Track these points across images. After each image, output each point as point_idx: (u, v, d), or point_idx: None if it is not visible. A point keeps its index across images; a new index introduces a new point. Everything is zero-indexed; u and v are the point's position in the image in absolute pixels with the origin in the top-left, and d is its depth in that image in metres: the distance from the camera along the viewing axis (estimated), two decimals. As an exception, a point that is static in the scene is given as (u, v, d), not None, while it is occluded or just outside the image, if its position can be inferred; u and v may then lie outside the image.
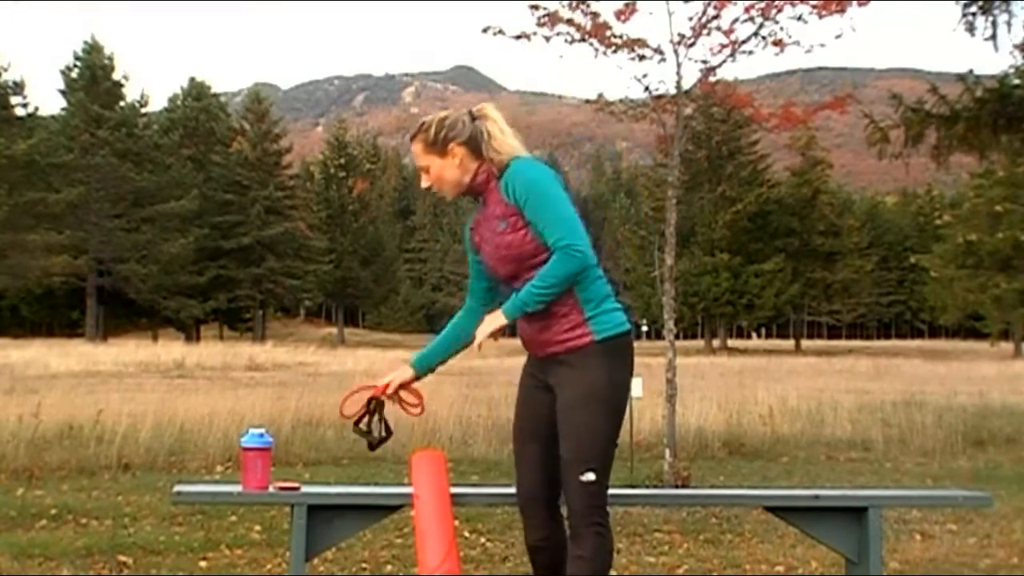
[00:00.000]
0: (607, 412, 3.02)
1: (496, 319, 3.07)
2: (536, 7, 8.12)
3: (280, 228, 65.25)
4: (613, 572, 4.73)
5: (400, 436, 9.63)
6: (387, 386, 3.30)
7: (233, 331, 69.61)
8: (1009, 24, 8.23)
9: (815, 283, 62.79)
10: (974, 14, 8.26)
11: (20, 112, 54.46)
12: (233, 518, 6.05)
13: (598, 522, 3.00)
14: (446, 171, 3.15)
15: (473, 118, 3.17)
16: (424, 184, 3.25)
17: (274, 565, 4.92)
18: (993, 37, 8.21)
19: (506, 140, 3.13)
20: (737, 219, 56.99)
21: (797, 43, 8.13)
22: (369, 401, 3.32)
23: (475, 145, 3.13)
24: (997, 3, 8.21)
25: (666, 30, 8.04)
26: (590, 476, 2.97)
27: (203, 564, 4.97)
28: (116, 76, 59.96)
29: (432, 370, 3.35)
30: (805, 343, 69.56)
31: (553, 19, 8.09)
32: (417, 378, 3.33)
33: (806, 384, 19.26)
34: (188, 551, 5.21)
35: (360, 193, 77.19)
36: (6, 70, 53.57)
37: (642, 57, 8.17)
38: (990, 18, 8.22)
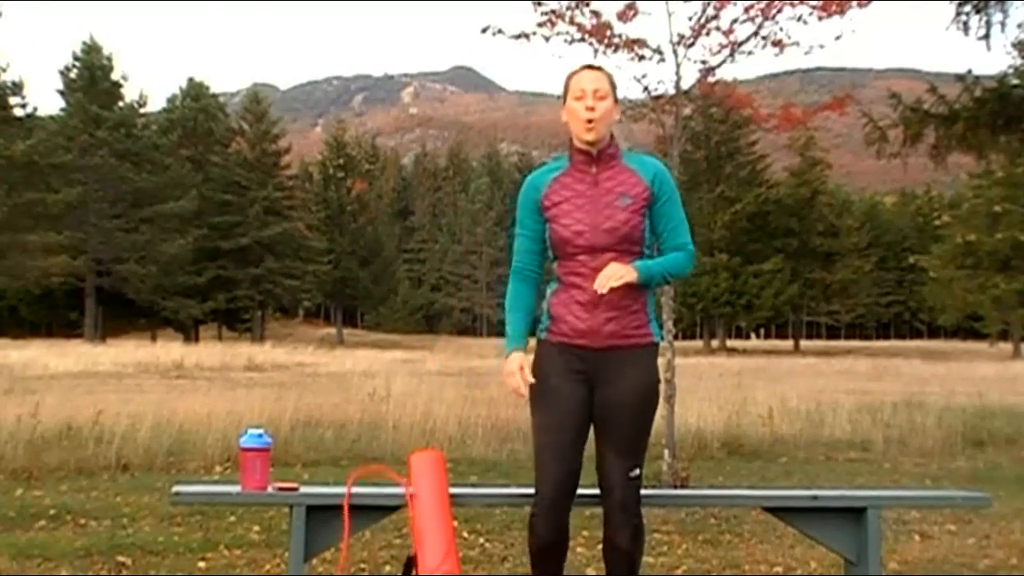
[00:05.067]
0: (654, 412, 3.23)
1: (628, 272, 3.08)
2: (539, 5, 8.12)
3: (279, 228, 65.26)
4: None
5: (399, 436, 9.67)
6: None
7: (232, 331, 69.57)
8: (1003, 24, 8.24)
9: (814, 283, 62.82)
10: (968, 13, 8.26)
11: (19, 112, 54.37)
12: (232, 519, 6.05)
13: (637, 514, 3.18)
14: (613, 115, 3.25)
15: None
16: (591, 108, 3.16)
17: (273, 566, 4.91)
18: (986, 36, 8.21)
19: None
20: (736, 219, 57.04)
21: (797, 44, 8.12)
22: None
23: None
24: (992, 2, 8.21)
25: (665, 30, 8.05)
26: (637, 472, 3.17)
27: (202, 565, 4.96)
28: (115, 76, 60.00)
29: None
30: (804, 343, 69.59)
31: (554, 19, 8.09)
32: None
33: (805, 384, 19.25)
34: (187, 552, 5.20)
35: (359, 193, 77.22)
36: (5, 70, 53.48)
37: (641, 57, 8.17)
38: (984, 17, 8.22)
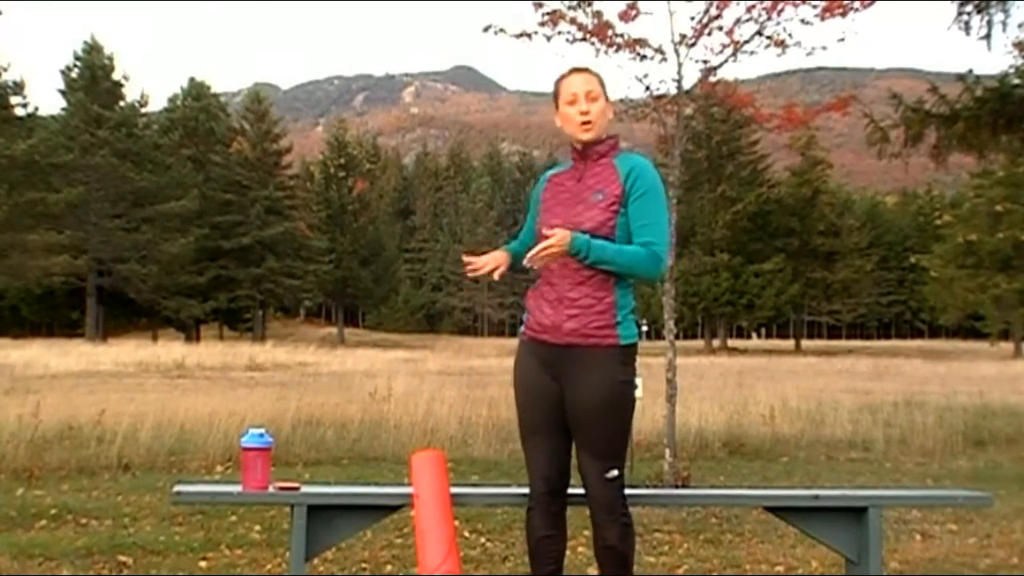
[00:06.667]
0: (627, 414, 3.20)
1: (560, 238, 3.01)
2: (540, 5, 8.11)
3: (280, 228, 65.20)
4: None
5: (400, 436, 9.68)
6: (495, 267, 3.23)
7: (233, 331, 69.57)
8: (1004, 23, 8.22)
9: (815, 283, 62.80)
10: (970, 13, 8.25)
11: (20, 112, 54.27)
12: (233, 518, 6.05)
13: (624, 513, 3.18)
14: (607, 114, 3.26)
15: None
16: (586, 112, 3.20)
17: (274, 565, 4.91)
18: (987, 36, 8.20)
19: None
20: (737, 219, 57.00)
21: (799, 44, 8.11)
22: None
23: None
24: (994, 2, 8.20)
25: (667, 30, 8.04)
26: (615, 473, 3.15)
27: (203, 564, 4.96)
28: (116, 76, 59.88)
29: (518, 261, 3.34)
30: (805, 343, 69.57)
31: (555, 18, 8.08)
32: (510, 264, 3.32)
33: (806, 384, 19.25)
34: (188, 551, 5.20)
35: (360, 193, 77.15)
36: (6, 70, 53.41)
37: (643, 57, 8.16)
38: (985, 17, 8.20)
